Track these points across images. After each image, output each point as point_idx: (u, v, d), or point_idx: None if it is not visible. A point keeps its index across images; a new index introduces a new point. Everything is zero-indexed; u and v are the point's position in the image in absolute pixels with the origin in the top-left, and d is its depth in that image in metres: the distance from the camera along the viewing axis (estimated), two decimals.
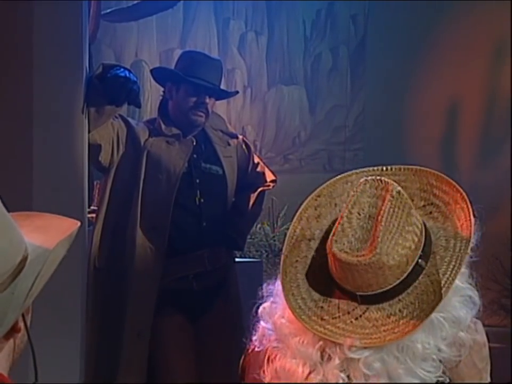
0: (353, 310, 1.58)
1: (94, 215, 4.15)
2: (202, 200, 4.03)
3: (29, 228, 1.43)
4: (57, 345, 3.50)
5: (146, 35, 7.75)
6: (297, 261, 1.65)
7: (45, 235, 1.43)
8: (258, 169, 4.34)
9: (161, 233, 3.93)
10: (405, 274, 1.56)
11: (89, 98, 3.71)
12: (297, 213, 1.68)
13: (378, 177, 1.59)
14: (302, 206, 1.69)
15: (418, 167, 1.68)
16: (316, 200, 1.68)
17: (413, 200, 1.64)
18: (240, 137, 4.41)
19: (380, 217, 1.53)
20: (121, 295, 3.92)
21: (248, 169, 4.30)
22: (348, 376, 1.55)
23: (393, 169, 1.68)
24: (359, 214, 1.55)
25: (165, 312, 3.95)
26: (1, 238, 1.32)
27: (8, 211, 1.35)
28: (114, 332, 3.92)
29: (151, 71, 4.26)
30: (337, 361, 1.55)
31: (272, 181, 4.38)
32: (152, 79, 4.24)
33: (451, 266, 1.56)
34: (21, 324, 1.43)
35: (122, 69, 3.76)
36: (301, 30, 8.14)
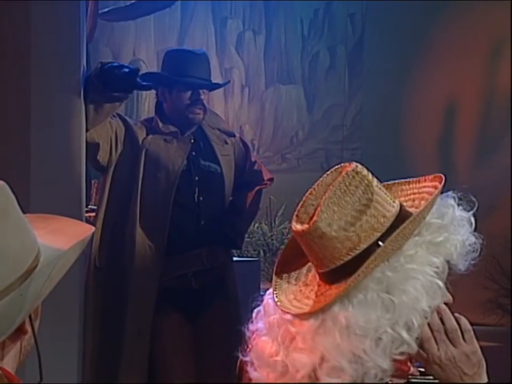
0: (319, 289, 1.60)
1: (91, 214, 4.15)
2: (201, 198, 4.03)
3: (44, 230, 1.44)
4: (57, 344, 3.50)
5: (144, 34, 7.75)
6: (290, 252, 1.69)
7: (58, 238, 1.44)
8: (256, 167, 4.34)
9: (160, 232, 3.94)
10: (357, 251, 1.56)
11: (87, 97, 3.71)
12: (296, 212, 1.70)
13: (348, 162, 1.62)
14: (300, 203, 1.70)
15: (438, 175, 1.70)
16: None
17: (407, 197, 1.67)
18: (237, 135, 4.41)
19: (328, 191, 1.56)
20: (121, 293, 3.92)
21: (245, 168, 4.30)
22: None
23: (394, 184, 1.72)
24: (316, 192, 1.59)
25: (164, 311, 3.96)
26: (13, 239, 1.32)
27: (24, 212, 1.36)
28: (114, 331, 3.92)
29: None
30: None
31: (269, 180, 4.38)
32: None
33: (393, 239, 1.57)
34: (28, 326, 1.43)
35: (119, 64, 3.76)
36: (299, 29, 8.15)
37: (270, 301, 1.66)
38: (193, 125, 4.08)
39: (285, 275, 1.68)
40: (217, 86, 4.32)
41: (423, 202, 1.63)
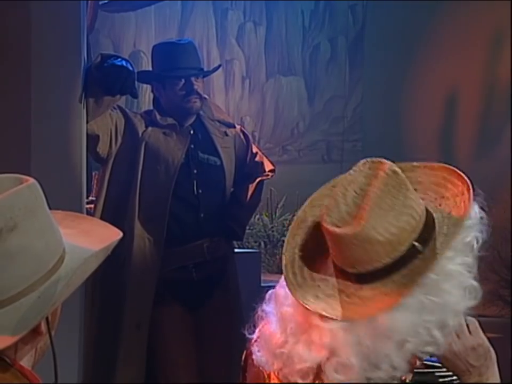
0: (348, 289, 1.59)
1: (92, 205, 4.15)
2: (200, 191, 4.03)
3: (73, 230, 1.42)
4: (56, 336, 3.50)
5: (144, 25, 7.74)
6: (303, 244, 1.67)
7: (88, 239, 1.42)
8: (257, 159, 4.34)
9: (159, 224, 3.93)
10: (398, 254, 1.56)
11: (88, 89, 3.71)
12: (310, 200, 1.70)
13: (377, 159, 1.60)
14: (316, 193, 1.70)
15: (437, 164, 1.70)
16: (330, 190, 1.69)
17: (426, 194, 1.66)
18: (238, 127, 4.40)
19: (371, 193, 1.55)
20: (120, 286, 3.92)
21: (246, 159, 4.29)
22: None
23: (413, 166, 1.70)
24: (354, 192, 1.57)
25: (165, 302, 3.96)
26: (38, 240, 1.31)
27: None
28: (113, 323, 3.92)
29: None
30: (313, 331, 1.57)
31: (270, 171, 4.37)
32: (151, 68, 4.23)
33: (441, 247, 1.57)
34: (44, 328, 1.41)
35: (120, 59, 3.76)
36: (300, 21, 8.14)
37: (282, 291, 1.65)
38: (192, 114, 4.07)
39: (297, 268, 1.65)
40: (207, 72, 4.31)
41: (447, 201, 1.64)
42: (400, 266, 1.56)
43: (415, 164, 1.70)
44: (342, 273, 1.61)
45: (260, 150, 4.47)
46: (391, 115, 7.49)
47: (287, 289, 1.64)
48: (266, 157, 4.47)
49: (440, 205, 1.65)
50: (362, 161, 1.61)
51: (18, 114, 3.49)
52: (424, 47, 7.33)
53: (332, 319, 1.55)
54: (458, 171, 1.67)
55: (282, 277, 1.67)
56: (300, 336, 1.59)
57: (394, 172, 1.58)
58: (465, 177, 1.65)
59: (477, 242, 1.62)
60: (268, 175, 4.36)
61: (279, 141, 8.10)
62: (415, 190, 1.62)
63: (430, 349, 1.56)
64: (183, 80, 4.01)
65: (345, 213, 1.56)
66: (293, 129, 8.14)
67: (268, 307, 1.67)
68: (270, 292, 1.70)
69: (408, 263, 1.57)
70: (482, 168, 6.80)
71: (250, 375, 1.76)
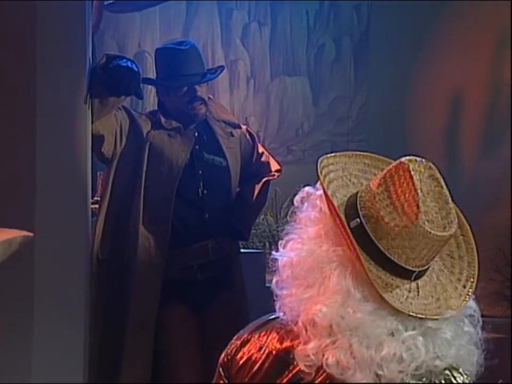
0: (411, 288, 1.65)
1: (97, 206, 4.15)
2: (205, 192, 4.03)
3: None
4: (61, 337, 3.51)
5: (149, 26, 7.75)
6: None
7: None
8: (263, 159, 4.34)
9: (162, 225, 3.94)
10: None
11: (93, 89, 3.71)
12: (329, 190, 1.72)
13: (415, 157, 1.67)
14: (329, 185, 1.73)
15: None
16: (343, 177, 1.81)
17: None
18: (244, 127, 4.40)
19: (446, 193, 1.64)
20: (125, 286, 3.92)
21: (252, 160, 4.29)
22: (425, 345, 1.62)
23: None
24: (433, 194, 1.63)
25: (170, 303, 3.96)
26: None
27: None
28: (118, 324, 3.93)
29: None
30: (418, 331, 1.62)
31: (277, 171, 4.37)
32: (154, 71, 4.24)
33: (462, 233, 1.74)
34: None
35: (125, 60, 3.76)
36: (304, 21, 8.14)
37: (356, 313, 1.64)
38: (197, 120, 4.08)
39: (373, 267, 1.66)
40: (209, 78, 4.24)
41: None
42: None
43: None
44: (396, 270, 1.63)
45: (266, 150, 4.47)
46: (396, 115, 7.49)
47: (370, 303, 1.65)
48: (273, 157, 4.46)
49: None
50: (410, 159, 1.65)
51: (23, 114, 3.49)
52: (429, 47, 7.32)
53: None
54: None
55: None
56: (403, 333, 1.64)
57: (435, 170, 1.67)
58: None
59: None
60: (274, 175, 4.36)
61: (284, 141, 8.10)
62: None
63: None
64: (186, 87, 4.01)
65: (439, 217, 1.62)
66: (298, 129, 8.14)
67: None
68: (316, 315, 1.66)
69: None
70: (487, 168, 6.81)
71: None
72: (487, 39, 7.09)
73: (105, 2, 5.76)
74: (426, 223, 1.60)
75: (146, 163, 3.96)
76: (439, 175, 1.64)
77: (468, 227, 1.73)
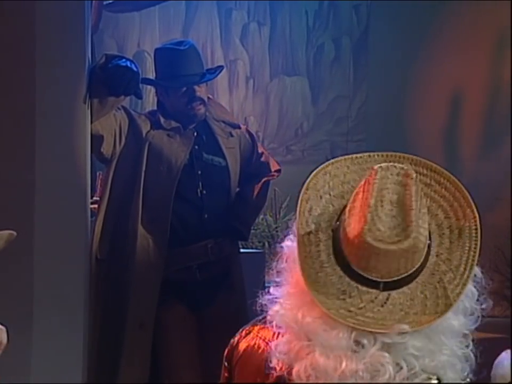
0: (376, 298, 1.58)
1: (96, 205, 4.15)
2: (204, 192, 4.03)
3: None
4: (60, 337, 3.51)
5: (148, 26, 7.75)
6: (305, 257, 1.65)
7: None
8: (263, 159, 4.34)
9: (162, 225, 3.94)
10: (423, 257, 1.58)
11: (92, 89, 3.71)
12: (298, 209, 1.68)
13: (394, 164, 1.61)
14: (299, 201, 1.69)
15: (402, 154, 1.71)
16: (305, 193, 1.68)
17: None
18: (243, 127, 4.40)
19: (410, 203, 1.55)
20: (123, 286, 3.92)
21: (252, 160, 4.29)
22: (396, 362, 1.57)
23: (380, 156, 1.70)
24: (390, 202, 1.56)
25: (169, 303, 3.96)
26: None
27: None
28: (116, 324, 3.93)
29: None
30: (378, 346, 1.56)
31: (276, 171, 4.37)
32: (154, 71, 4.24)
33: (467, 250, 1.61)
34: None
35: (124, 59, 3.76)
36: (304, 21, 8.14)
37: (309, 320, 1.60)
38: (197, 120, 4.08)
39: (315, 285, 1.62)
40: (208, 78, 4.24)
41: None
42: (422, 267, 1.59)
43: (383, 153, 1.71)
44: (364, 281, 1.59)
45: (266, 150, 4.47)
46: (395, 115, 7.49)
47: (310, 315, 1.60)
48: (272, 157, 4.46)
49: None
50: (377, 167, 1.59)
51: (23, 114, 3.49)
52: (428, 47, 7.32)
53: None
54: (438, 166, 1.69)
55: (277, 298, 1.66)
56: (363, 352, 1.57)
57: (416, 177, 1.59)
58: (453, 177, 1.66)
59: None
60: (273, 175, 4.36)
61: (283, 141, 8.10)
62: None
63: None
64: (185, 88, 4.01)
65: (388, 227, 1.55)
66: (297, 129, 8.14)
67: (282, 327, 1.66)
68: (274, 316, 1.66)
69: (425, 262, 1.59)
70: (487, 169, 6.81)
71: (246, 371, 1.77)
72: (487, 39, 7.09)
73: (105, 2, 5.76)
74: (368, 233, 1.54)
75: (145, 163, 3.96)
76: (411, 183, 1.56)
77: (477, 237, 1.62)
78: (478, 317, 1.61)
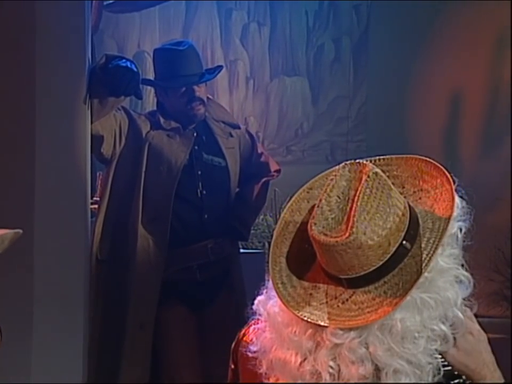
0: (340, 294, 1.57)
1: (96, 206, 4.16)
2: (204, 192, 4.04)
3: None
4: (61, 337, 3.51)
5: (148, 26, 7.74)
6: (288, 251, 1.65)
7: None
8: (262, 159, 4.34)
9: (162, 225, 3.94)
10: (388, 256, 1.55)
11: (92, 89, 3.71)
12: (288, 205, 1.68)
13: (356, 161, 1.59)
14: (294, 198, 1.68)
15: (409, 155, 1.69)
16: (308, 192, 1.67)
17: (404, 187, 1.64)
18: (243, 127, 4.40)
19: (355, 198, 1.53)
20: (123, 287, 3.92)
21: (251, 160, 4.29)
22: (338, 365, 1.55)
23: (385, 160, 1.68)
24: (338, 197, 1.55)
25: (169, 303, 3.96)
26: None
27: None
28: (117, 324, 3.93)
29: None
30: (324, 349, 1.55)
31: (276, 171, 4.37)
32: (153, 72, 4.24)
33: (430, 244, 1.56)
34: None
35: (124, 60, 3.77)
36: (304, 21, 8.13)
37: (273, 310, 1.62)
38: (196, 120, 4.08)
39: (285, 278, 1.63)
40: (208, 78, 4.22)
41: (427, 194, 1.62)
42: (390, 266, 1.56)
43: (388, 156, 1.69)
44: (332, 279, 1.59)
45: (265, 151, 4.48)
46: (395, 115, 7.49)
47: (278, 306, 1.61)
48: (272, 157, 4.47)
49: (420, 198, 1.64)
50: (341, 164, 1.59)
51: (23, 114, 3.49)
52: (429, 47, 7.32)
53: (340, 330, 1.54)
54: (434, 162, 1.65)
55: (267, 291, 1.66)
56: (316, 353, 1.56)
57: (376, 173, 1.57)
58: (443, 168, 1.64)
59: (461, 232, 1.61)
60: (273, 175, 4.37)
61: (283, 141, 8.09)
62: (393, 184, 1.61)
63: (438, 345, 1.56)
64: (184, 88, 4.01)
65: (332, 220, 1.54)
66: (297, 129, 8.13)
67: (263, 328, 1.66)
68: (256, 300, 1.68)
69: (398, 262, 1.56)
70: (487, 168, 6.81)
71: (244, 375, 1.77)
72: (487, 39, 7.09)
73: (105, 3, 5.76)
74: (313, 226, 1.54)
75: (145, 163, 3.97)
76: (364, 178, 1.54)
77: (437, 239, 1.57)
78: (447, 320, 1.56)
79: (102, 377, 3.94)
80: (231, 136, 4.22)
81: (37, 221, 3.45)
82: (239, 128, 4.32)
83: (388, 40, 7.64)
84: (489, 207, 6.30)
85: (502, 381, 1.64)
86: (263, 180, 4.31)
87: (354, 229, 1.51)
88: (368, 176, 1.55)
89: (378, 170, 1.58)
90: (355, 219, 1.52)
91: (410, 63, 7.41)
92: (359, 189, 1.54)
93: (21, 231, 1.62)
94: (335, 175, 1.57)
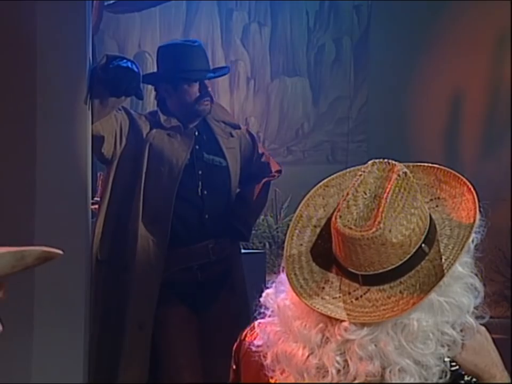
0: (354, 291, 1.58)
1: (97, 206, 4.16)
2: (205, 192, 4.04)
3: None
4: (61, 338, 3.51)
5: (149, 26, 7.75)
6: (301, 244, 1.66)
7: None
8: (263, 159, 4.34)
9: (162, 226, 3.94)
10: (408, 256, 1.56)
11: (93, 90, 3.71)
12: (304, 200, 1.69)
13: (386, 160, 1.61)
14: (310, 193, 1.69)
15: (427, 164, 1.70)
16: (324, 189, 1.68)
17: (421, 195, 1.66)
18: (244, 127, 4.41)
19: (385, 195, 1.55)
20: (123, 287, 3.92)
21: (252, 160, 4.29)
22: (345, 360, 1.55)
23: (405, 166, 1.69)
24: (365, 193, 1.57)
25: (170, 304, 3.96)
26: None
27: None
28: (116, 324, 3.93)
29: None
30: (334, 344, 1.55)
31: (277, 171, 4.37)
32: (155, 70, 4.24)
33: (453, 251, 1.58)
34: None
35: (125, 60, 3.77)
36: (304, 21, 8.14)
37: (283, 303, 1.62)
38: (200, 117, 4.08)
39: (298, 270, 1.63)
40: (219, 74, 4.30)
41: (445, 202, 1.63)
42: (408, 267, 1.57)
43: (405, 164, 1.70)
44: (347, 275, 1.59)
45: (266, 151, 4.48)
46: (396, 116, 7.49)
47: (289, 299, 1.62)
48: (273, 158, 4.47)
49: (436, 206, 1.65)
50: (370, 162, 1.61)
51: (24, 115, 3.49)
52: (429, 47, 7.33)
53: (355, 326, 1.54)
54: (454, 172, 1.67)
55: (276, 285, 1.66)
56: (323, 347, 1.57)
57: (406, 174, 1.58)
58: (463, 178, 1.65)
59: (473, 242, 1.62)
60: (274, 175, 4.37)
61: (284, 141, 8.10)
62: None
63: (446, 350, 1.57)
64: (196, 83, 4.01)
65: (357, 215, 1.55)
66: (298, 129, 8.14)
67: (269, 308, 1.66)
68: (264, 293, 1.68)
69: (415, 264, 1.57)
70: (487, 169, 6.81)
71: (248, 374, 1.77)
72: (487, 39, 7.09)
73: (105, 3, 5.76)
74: (339, 219, 1.55)
75: (146, 164, 3.97)
76: (393, 177, 1.56)
77: (465, 241, 1.58)
78: (458, 325, 1.57)
79: (102, 377, 3.94)
80: (232, 136, 4.22)
81: (37, 220, 3.46)
82: (240, 128, 4.32)
83: (388, 41, 7.64)
84: (489, 207, 6.30)
85: (509, 381, 1.64)
86: (264, 180, 4.30)
87: (381, 225, 1.53)
88: (399, 175, 1.57)
89: (407, 170, 1.59)
90: (383, 215, 1.53)
91: (411, 63, 7.41)
92: (389, 186, 1.55)
93: (59, 251, 1.31)
94: (364, 171, 1.59)
